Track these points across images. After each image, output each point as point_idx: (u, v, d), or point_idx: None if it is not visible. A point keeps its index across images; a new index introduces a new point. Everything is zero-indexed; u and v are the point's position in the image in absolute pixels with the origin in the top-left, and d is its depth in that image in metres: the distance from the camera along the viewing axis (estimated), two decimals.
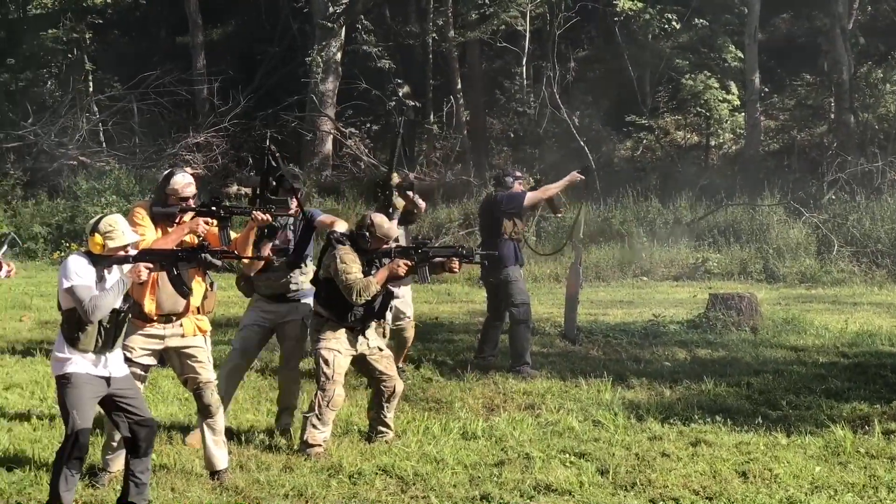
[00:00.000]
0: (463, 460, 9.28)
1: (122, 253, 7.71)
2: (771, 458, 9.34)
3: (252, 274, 9.62)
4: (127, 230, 7.70)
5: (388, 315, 10.89)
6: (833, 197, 26.52)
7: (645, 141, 32.62)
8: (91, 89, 35.61)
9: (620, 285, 23.20)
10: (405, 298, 12.12)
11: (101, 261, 7.66)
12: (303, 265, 10.18)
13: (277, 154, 9.85)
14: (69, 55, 37.41)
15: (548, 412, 11.10)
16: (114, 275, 7.70)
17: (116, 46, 39.41)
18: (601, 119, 32.31)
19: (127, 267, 7.76)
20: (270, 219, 8.95)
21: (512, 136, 33.62)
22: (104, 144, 33.08)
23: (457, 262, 10.11)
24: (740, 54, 30.46)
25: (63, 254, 23.09)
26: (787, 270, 23.34)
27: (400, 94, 31.69)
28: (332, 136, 32.74)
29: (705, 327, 15.77)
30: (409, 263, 9.74)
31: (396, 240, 10.48)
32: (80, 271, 7.55)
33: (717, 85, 29.76)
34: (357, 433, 10.23)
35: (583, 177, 13.50)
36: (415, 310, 12.62)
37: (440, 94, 33.72)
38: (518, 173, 13.81)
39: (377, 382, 9.89)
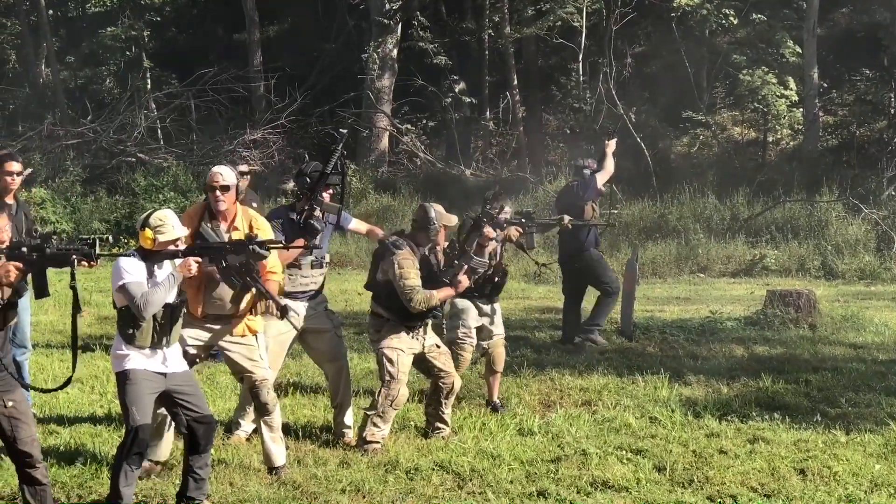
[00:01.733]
0: (519, 456, 9.27)
1: (172, 247, 7.76)
2: (830, 455, 9.26)
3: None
4: (177, 224, 7.74)
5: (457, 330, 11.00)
6: (893, 193, 26.30)
7: (702, 137, 32.45)
8: (149, 86, 35.99)
9: (677, 282, 23.12)
10: (496, 317, 11.37)
11: (152, 256, 7.70)
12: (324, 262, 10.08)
13: (346, 158, 9.82)
14: (127, 53, 37.85)
15: (604, 409, 11.06)
16: (165, 270, 7.73)
17: (174, 44, 39.77)
18: (658, 115, 32.22)
19: (178, 261, 7.81)
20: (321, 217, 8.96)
21: (568, 132, 33.55)
22: (162, 141, 33.33)
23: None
24: (798, 49, 30.19)
25: (122, 250, 23.21)
26: (846, 267, 23.14)
27: (456, 90, 31.74)
28: (388, 132, 32.84)
29: (763, 324, 15.68)
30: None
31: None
32: (130, 269, 7.60)
33: (774, 80, 29.52)
34: (414, 429, 10.26)
35: (614, 138, 15.11)
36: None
37: (496, 90, 33.78)
38: (593, 164, 14.76)
39: (436, 379, 9.90)
